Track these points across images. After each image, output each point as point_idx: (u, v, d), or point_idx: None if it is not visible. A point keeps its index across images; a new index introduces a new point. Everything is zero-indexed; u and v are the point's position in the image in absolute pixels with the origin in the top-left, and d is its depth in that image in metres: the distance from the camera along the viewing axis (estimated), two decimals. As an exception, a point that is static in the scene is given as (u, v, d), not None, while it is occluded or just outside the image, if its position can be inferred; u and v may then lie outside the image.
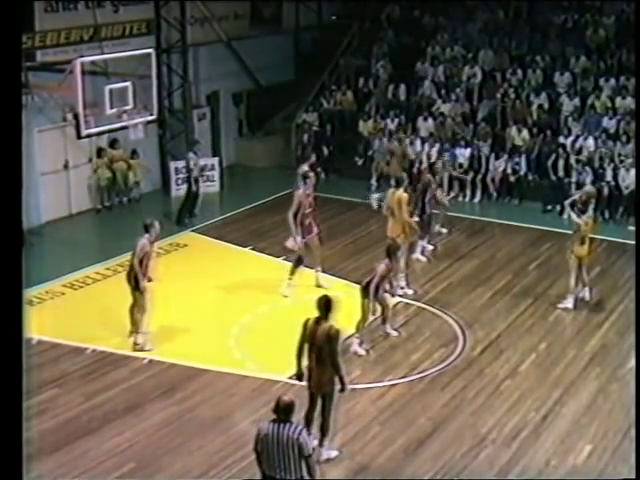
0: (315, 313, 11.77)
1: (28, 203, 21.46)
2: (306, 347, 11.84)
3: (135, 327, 15.81)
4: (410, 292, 18.10)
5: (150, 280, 15.77)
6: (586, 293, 17.41)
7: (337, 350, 11.66)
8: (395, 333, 16.12)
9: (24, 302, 7.85)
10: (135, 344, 15.77)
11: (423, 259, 19.85)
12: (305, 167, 20.21)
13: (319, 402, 12.04)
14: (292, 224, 17.51)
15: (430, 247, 20.17)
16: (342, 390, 11.89)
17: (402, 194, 17.83)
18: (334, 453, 12.38)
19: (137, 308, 15.70)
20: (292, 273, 18.06)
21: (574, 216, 16.93)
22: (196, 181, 23.13)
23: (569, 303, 17.14)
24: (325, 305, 11.65)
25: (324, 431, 12.18)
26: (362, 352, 15.37)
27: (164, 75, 25.31)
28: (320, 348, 11.64)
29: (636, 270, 17.23)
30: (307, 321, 11.81)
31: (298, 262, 18.13)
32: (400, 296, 17.68)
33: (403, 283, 18.12)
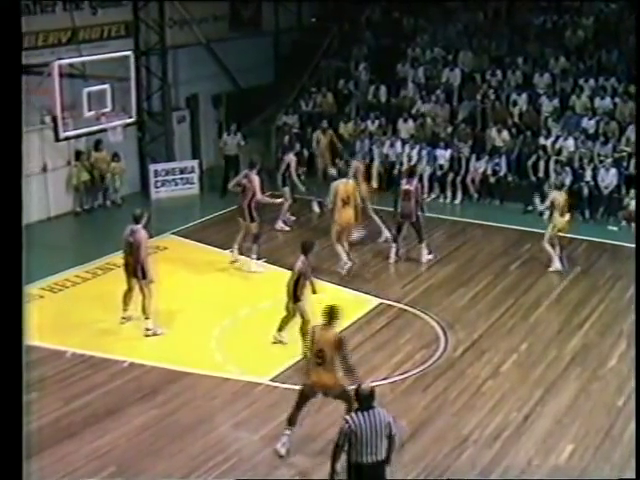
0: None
1: (6, 206, 21.36)
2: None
3: (145, 314, 16.17)
4: (348, 264, 18.94)
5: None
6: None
7: (348, 355, 11.89)
8: (286, 340, 15.61)
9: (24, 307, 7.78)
10: (146, 329, 16.14)
11: (430, 257, 19.94)
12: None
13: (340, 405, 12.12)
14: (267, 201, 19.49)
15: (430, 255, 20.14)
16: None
17: (353, 183, 19.43)
18: None
19: (142, 296, 16.16)
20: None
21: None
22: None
23: (557, 265, 18.24)
24: (330, 313, 11.86)
25: None
26: None
27: (143, 77, 25.21)
28: (323, 352, 11.83)
29: (636, 270, 17.19)
30: (314, 328, 12.14)
31: (255, 240, 19.22)
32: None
33: (345, 258, 19.00)
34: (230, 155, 25.51)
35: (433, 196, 24.66)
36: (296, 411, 12.27)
